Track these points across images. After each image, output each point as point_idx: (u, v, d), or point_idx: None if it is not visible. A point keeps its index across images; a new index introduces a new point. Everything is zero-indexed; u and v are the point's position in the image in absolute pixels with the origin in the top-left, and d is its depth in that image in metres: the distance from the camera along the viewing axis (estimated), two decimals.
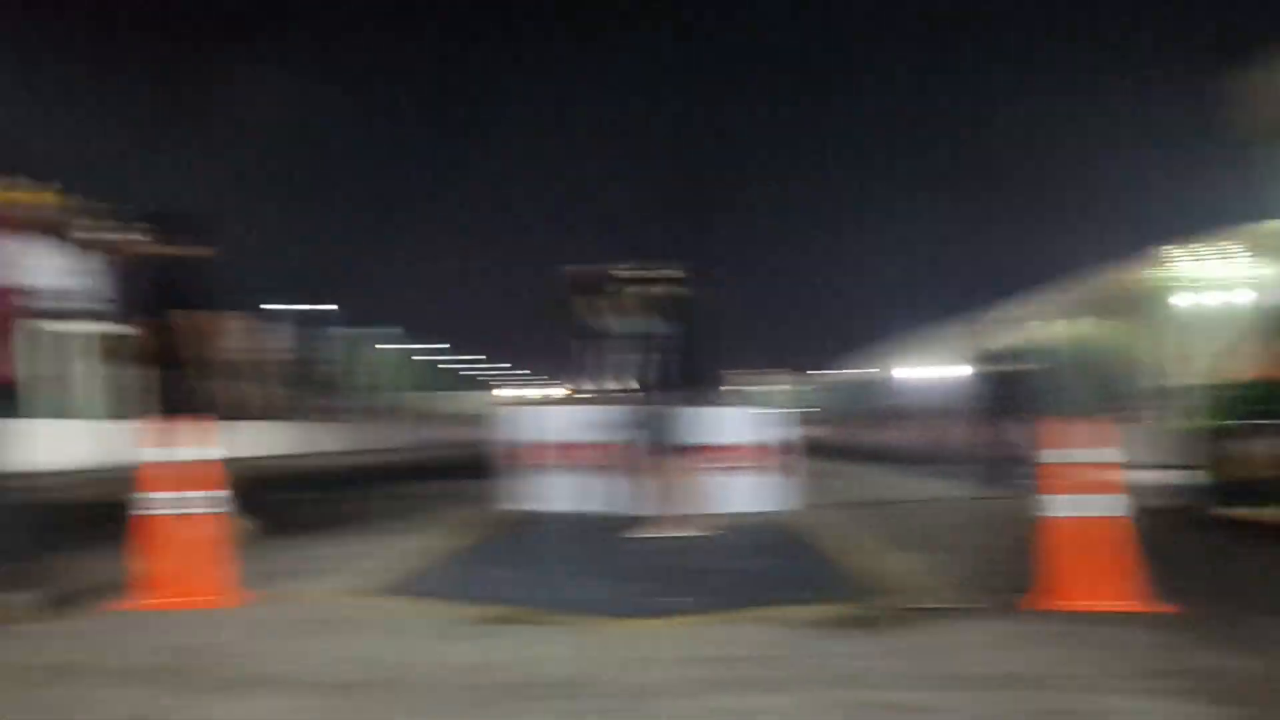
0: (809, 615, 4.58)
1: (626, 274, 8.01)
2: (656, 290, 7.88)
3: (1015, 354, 13.80)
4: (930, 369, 39.63)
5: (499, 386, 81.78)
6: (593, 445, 9.16)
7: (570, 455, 9.41)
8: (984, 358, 14.07)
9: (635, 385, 7.79)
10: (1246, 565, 6.27)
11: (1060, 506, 4.75)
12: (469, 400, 69.71)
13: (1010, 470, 11.99)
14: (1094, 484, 4.76)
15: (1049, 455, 4.83)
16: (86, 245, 5.53)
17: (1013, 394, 13.10)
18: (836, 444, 37.59)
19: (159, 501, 4.84)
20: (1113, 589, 4.61)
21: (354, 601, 5.02)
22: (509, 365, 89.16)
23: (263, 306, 43.53)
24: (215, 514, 4.89)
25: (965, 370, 14.48)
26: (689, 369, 7.81)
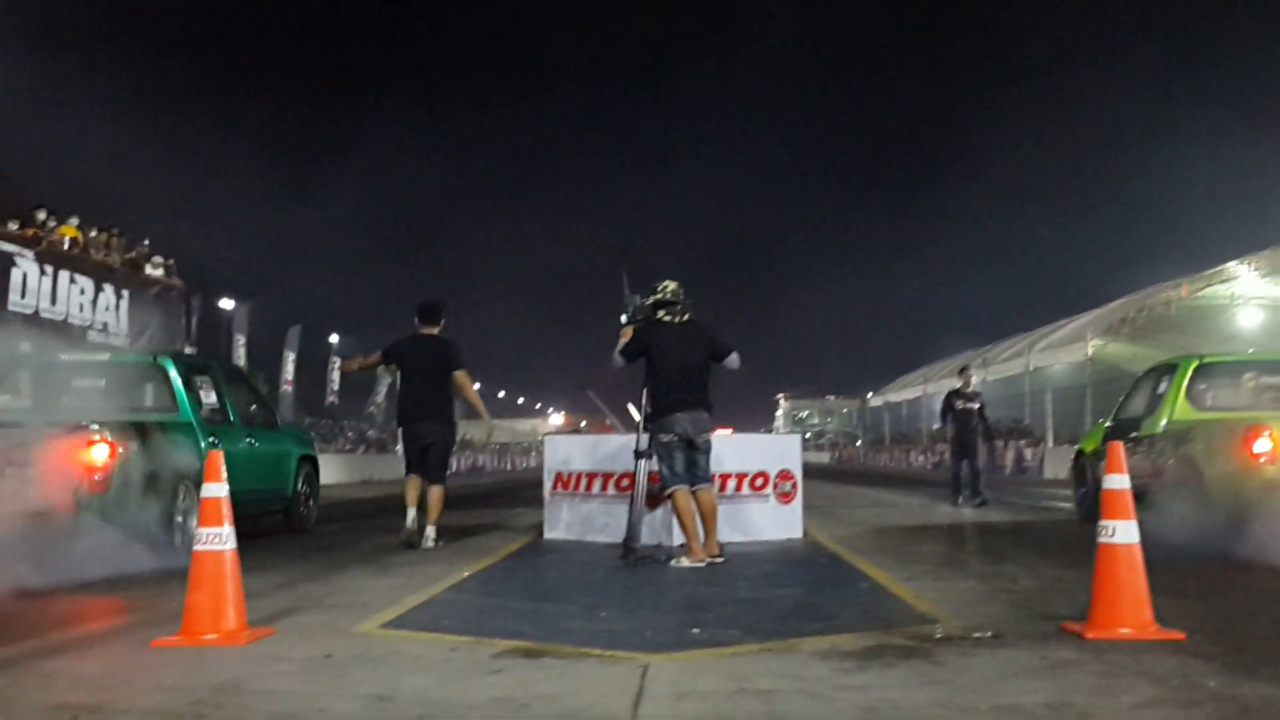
0: (847, 645, 4.47)
1: (654, 297, 7.89)
2: (674, 313, 7.79)
3: (972, 391, 14.93)
4: (930, 394, 39.67)
5: (539, 416, 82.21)
6: (612, 474, 9.08)
7: (591, 484, 9.32)
8: (954, 392, 14.95)
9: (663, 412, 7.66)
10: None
11: (1119, 533, 4.62)
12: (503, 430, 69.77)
13: (978, 491, 14.04)
14: (1129, 510, 4.68)
15: (1112, 481, 4.72)
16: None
17: (974, 424, 14.37)
18: (853, 468, 37.47)
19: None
20: (1142, 616, 4.52)
21: (372, 635, 4.91)
22: (522, 398, 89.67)
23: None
24: (229, 548, 4.80)
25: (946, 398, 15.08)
26: (707, 396, 7.72)
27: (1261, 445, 7.73)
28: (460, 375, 9.10)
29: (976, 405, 14.59)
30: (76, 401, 8.99)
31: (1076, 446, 12.00)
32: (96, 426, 7.53)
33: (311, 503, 11.21)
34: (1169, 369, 9.89)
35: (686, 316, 7.77)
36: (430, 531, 8.90)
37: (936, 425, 15.77)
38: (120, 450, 7.52)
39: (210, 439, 8.71)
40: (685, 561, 7.42)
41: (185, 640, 4.62)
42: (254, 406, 10.53)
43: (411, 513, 8.88)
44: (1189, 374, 9.38)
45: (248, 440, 9.68)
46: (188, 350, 21.52)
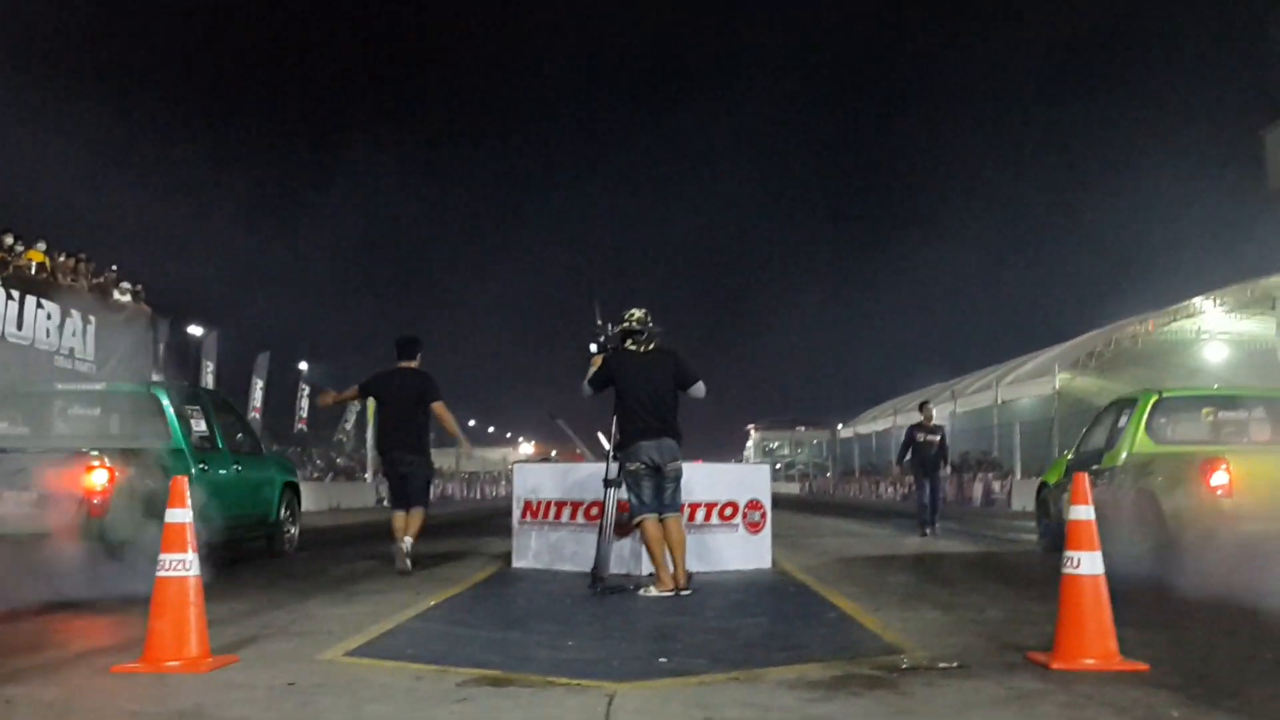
0: (814, 675, 4.48)
1: (621, 325, 7.90)
2: (644, 341, 7.80)
3: (933, 425, 15.52)
4: (899, 426, 39.86)
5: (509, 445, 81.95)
6: (581, 503, 9.06)
7: (560, 513, 9.29)
8: (916, 425, 15.55)
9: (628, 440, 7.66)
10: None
11: (1084, 564, 4.64)
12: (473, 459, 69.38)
13: (933, 521, 14.79)
14: (1094, 541, 4.71)
15: (1077, 512, 4.76)
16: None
17: (936, 455, 15.02)
18: (823, 499, 37.49)
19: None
20: (1106, 647, 4.54)
21: (336, 663, 4.86)
22: (492, 426, 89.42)
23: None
24: (192, 575, 4.75)
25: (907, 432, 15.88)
26: (675, 423, 7.71)
27: (1218, 478, 7.85)
28: (438, 407, 9.41)
29: (937, 438, 15.13)
30: (74, 429, 9.22)
31: (1040, 479, 12.16)
32: (96, 453, 7.70)
33: (293, 529, 11.38)
34: (1129, 403, 10.04)
35: (653, 345, 7.79)
36: (407, 543, 9.16)
37: (900, 460, 16.08)
38: (119, 475, 7.67)
39: (201, 465, 8.95)
40: (653, 591, 7.40)
41: (147, 667, 4.57)
42: (240, 435, 10.69)
43: (397, 543, 9.18)
44: (1149, 408, 9.52)
45: (235, 467, 9.87)
46: (155, 377, 21.34)
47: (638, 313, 7.83)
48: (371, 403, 10.57)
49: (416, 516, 9.32)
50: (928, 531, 14.60)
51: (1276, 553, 7.15)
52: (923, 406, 16.19)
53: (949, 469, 17.09)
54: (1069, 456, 11.42)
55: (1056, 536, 10.16)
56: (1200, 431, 9.64)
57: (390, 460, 9.47)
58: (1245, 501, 7.75)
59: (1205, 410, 9.89)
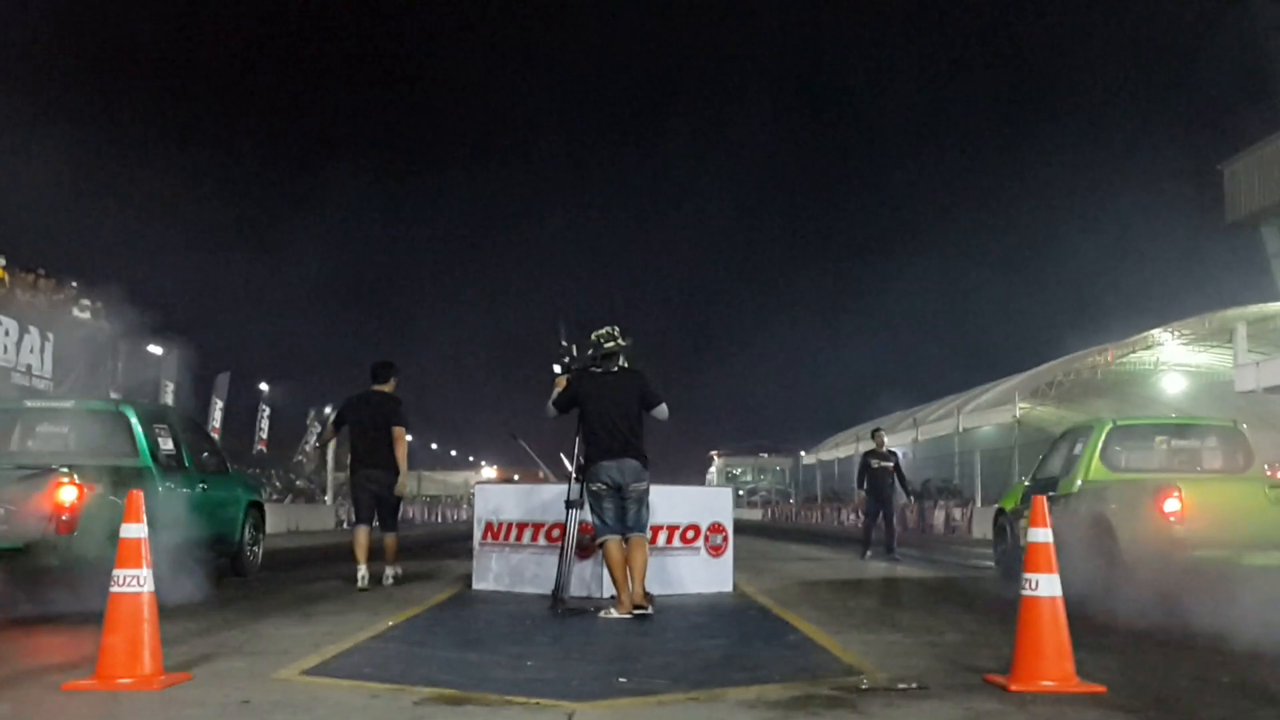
0: (774, 695, 4.47)
1: (597, 346, 7.88)
2: (609, 364, 7.78)
3: (886, 451, 16.04)
4: (862, 453, 40.01)
5: (471, 469, 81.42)
6: (543, 524, 9.02)
7: (521, 534, 9.24)
8: (870, 452, 16.06)
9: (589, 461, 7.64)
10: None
11: (1042, 586, 4.67)
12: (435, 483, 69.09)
13: (892, 546, 15.13)
14: (1052, 563, 4.74)
15: (1035, 535, 4.79)
16: None
17: (890, 481, 15.53)
18: (786, 525, 37.49)
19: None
20: (1064, 669, 4.57)
21: (292, 681, 4.80)
22: (454, 450, 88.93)
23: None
24: (146, 591, 4.69)
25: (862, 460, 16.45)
26: (638, 444, 7.68)
27: (1171, 505, 8.01)
28: (398, 431, 9.68)
29: (890, 464, 15.61)
30: (42, 446, 9.22)
31: (997, 505, 12.39)
32: (65, 470, 7.72)
33: (257, 548, 11.32)
34: (1084, 431, 10.25)
35: (622, 363, 7.77)
36: (389, 570, 9.69)
37: (860, 486, 16.35)
38: (86, 493, 7.68)
39: (167, 483, 8.99)
40: (613, 613, 7.36)
41: (99, 684, 4.50)
42: (206, 454, 10.64)
43: (363, 568, 9.39)
44: (1103, 436, 9.72)
45: (200, 485, 9.83)
46: (113, 395, 21.09)
47: (605, 330, 7.81)
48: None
49: (391, 542, 9.74)
50: (868, 555, 15.04)
51: (1226, 577, 7.41)
52: (874, 434, 16.87)
53: (907, 495, 17.69)
54: (1025, 483, 11.58)
55: (1012, 561, 10.60)
56: (1153, 459, 9.83)
57: (362, 478, 9.67)
58: (1197, 528, 7.91)
59: (1158, 438, 10.13)
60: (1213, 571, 7.58)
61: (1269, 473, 8.58)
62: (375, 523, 9.61)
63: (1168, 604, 6.99)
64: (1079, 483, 9.58)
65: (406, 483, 10.05)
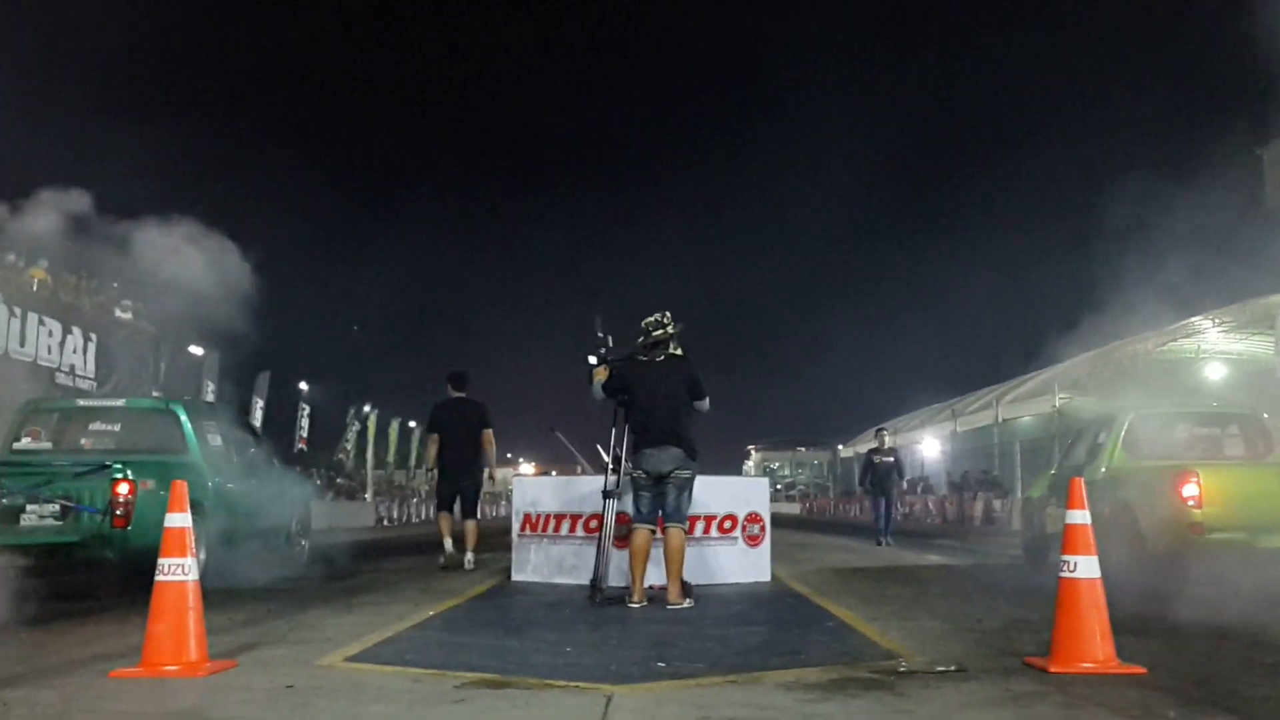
0: (812, 678, 4.49)
1: (645, 336, 7.89)
2: (658, 352, 7.78)
3: (888, 449, 17.92)
4: (899, 445, 39.91)
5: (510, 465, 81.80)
6: (581, 515, 9.06)
7: (559, 526, 9.28)
8: (874, 450, 17.84)
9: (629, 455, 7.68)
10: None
11: (1081, 568, 4.66)
12: None
13: (887, 531, 16.80)
14: (1090, 545, 4.73)
15: (1074, 516, 4.78)
16: None
17: (892, 475, 17.31)
18: (824, 518, 37.41)
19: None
20: (1104, 650, 4.55)
21: (335, 668, 4.87)
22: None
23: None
24: (191, 579, 4.77)
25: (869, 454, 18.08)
26: (683, 432, 7.67)
27: (1189, 490, 8.27)
28: (488, 434, 11.09)
29: (892, 460, 17.59)
30: (96, 443, 9.44)
31: (1025, 494, 12.66)
32: (119, 466, 8.06)
33: (304, 542, 11.58)
34: (1108, 420, 10.45)
35: (673, 349, 7.77)
36: (470, 556, 10.84)
37: (862, 482, 18.42)
38: (140, 488, 8.01)
39: (217, 479, 9.25)
40: (632, 602, 7.37)
41: (145, 671, 4.58)
42: (253, 450, 10.87)
43: (449, 542, 10.86)
44: (1126, 425, 9.94)
45: (248, 481, 10.06)
46: (154, 394, 21.35)
47: (654, 317, 7.79)
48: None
49: (472, 528, 10.99)
50: (883, 541, 16.52)
51: (1244, 560, 7.79)
52: (878, 433, 18.95)
53: (904, 485, 20.29)
54: (1053, 473, 11.82)
55: (1038, 547, 11.09)
56: (1174, 447, 9.93)
57: (451, 477, 10.95)
58: (1215, 512, 8.19)
59: (1179, 426, 10.27)
60: (1231, 554, 7.91)
61: None
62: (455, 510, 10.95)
63: (1187, 586, 7.16)
64: (1103, 470, 9.73)
65: (496, 476, 11.10)
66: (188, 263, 10.95)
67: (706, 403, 7.84)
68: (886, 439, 18.33)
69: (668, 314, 7.82)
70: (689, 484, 7.62)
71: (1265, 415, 10.29)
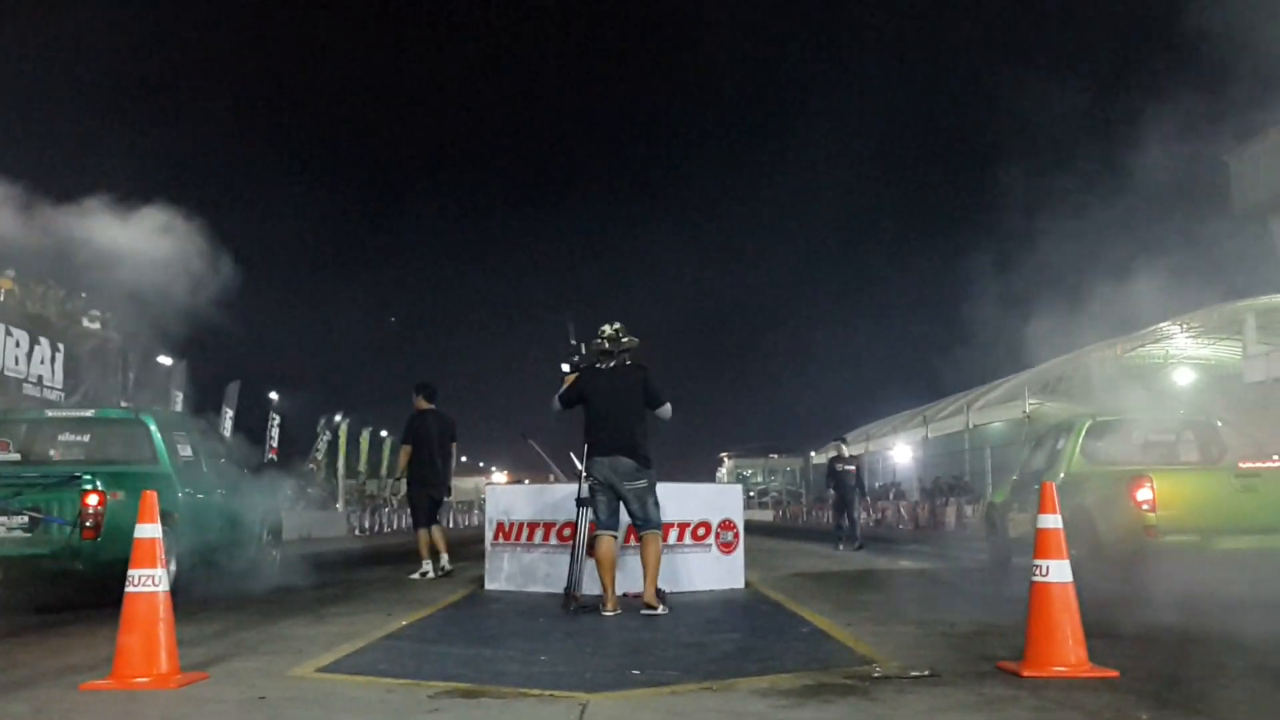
0: (786, 684, 4.50)
1: (595, 343, 7.89)
2: (610, 359, 7.79)
3: (849, 457, 18.57)
4: (871, 452, 40.03)
5: (482, 474, 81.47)
6: (554, 524, 9.04)
7: (532, 534, 9.26)
8: (835, 458, 18.57)
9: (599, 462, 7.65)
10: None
11: (1053, 572, 4.70)
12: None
13: (856, 536, 17.42)
14: (1062, 549, 4.76)
15: (1045, 521, 4.81)
16: None
17: (852, 483, 17.77)
18: (796, 525, 37.50)
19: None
20: (1076, 654, 4.58)
21: (308, 678, 4.83)
22: (465, 456, 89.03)
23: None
24: (161, 590, 4.73)
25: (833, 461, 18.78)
26: (635, 440, 7.66)
27: (1144, 494, 8.47)
28: (454, 446, 11.65)
29: (853, 468, 18.09)
30: (65, 454, 9.42)
31: (987, 500, 12.86)
32: (88, 477, 8.00)
33: (276, 553, 11.49)
34: (1067, 427, 10.67)
35: (625, 361, 7.76)
36: (445, 557, 11.24)
37: (828, 488, 18.83)
38: (110, 499, 7.93)
39: (186, 489, 9.15)
40: (605, 610, 7.37)
41: (116, 683, 4.54)
42: (223, 460, 10.78)
43: (428, 562, 11.08)
44: (1083, 431, 10.16)
45: (219, 491, 9.99)
46: (123, 404, 21.18)
47: (608, 329, 7.80)
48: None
49: (439, 532, 11.37)
50: (840, 548, 17.00)
51: (1198, 562, 8.05)
52: (839, 442, 19.37)
53: (864, 494, 20.14)
54: (1014, 478, 12.02)
55: (1001, 551, 11.39)
56: (1130, 452, 10.20)
57: (428, 486, 11.32)
58: (1169, 515, 8.38)
59: (1135, 433, 10.56)
60: (1185, 556, 8.12)
61: (1241, 464, 8.93)
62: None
63: (1145, 589, 7.41)
64: (1061, 475, 9.88)
65: (454, 487, 11.75)
66: (154, 265, 10.88)
67: (668, 409, 7.83)
68: (844, 449, 18.97)
69: (619, 325, 7.83)
70: (648, 491, 7.62)
71: (1219, 422, 10.65)
